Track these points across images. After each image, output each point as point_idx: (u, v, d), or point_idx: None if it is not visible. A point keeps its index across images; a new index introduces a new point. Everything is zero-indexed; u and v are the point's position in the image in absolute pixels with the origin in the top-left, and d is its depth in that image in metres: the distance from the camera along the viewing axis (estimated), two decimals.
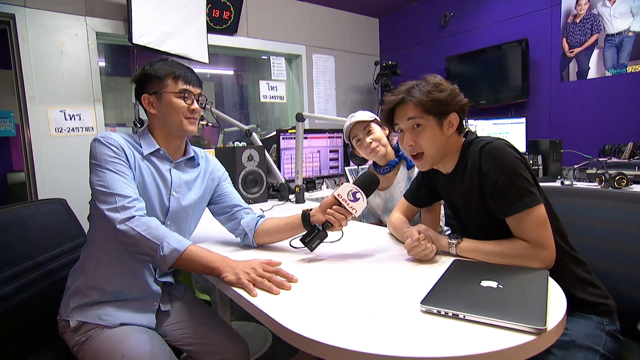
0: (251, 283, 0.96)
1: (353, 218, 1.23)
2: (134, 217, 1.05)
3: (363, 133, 1.61)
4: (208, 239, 1.46)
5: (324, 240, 1.19)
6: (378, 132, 1.62)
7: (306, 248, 1.18)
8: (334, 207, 1.15)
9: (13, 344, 1.14)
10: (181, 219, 1.26)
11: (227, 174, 1.44)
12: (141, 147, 1.20)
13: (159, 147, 1.22)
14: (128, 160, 1.14)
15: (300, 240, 1.17)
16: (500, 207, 1.01)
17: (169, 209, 1.21)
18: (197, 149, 1.36)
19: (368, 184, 1.16)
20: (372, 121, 1.62)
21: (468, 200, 1.11)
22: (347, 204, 1.12)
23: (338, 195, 1.14)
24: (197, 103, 1.23)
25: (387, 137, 1.66)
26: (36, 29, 2.75)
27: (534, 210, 0.97)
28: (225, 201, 1.38)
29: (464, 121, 1.13)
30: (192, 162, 1.31)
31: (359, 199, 1.13)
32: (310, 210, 1.23)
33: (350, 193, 1.13)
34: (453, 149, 1.14)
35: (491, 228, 1.06)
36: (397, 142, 1.64)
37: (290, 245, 1.31)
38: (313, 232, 1.16)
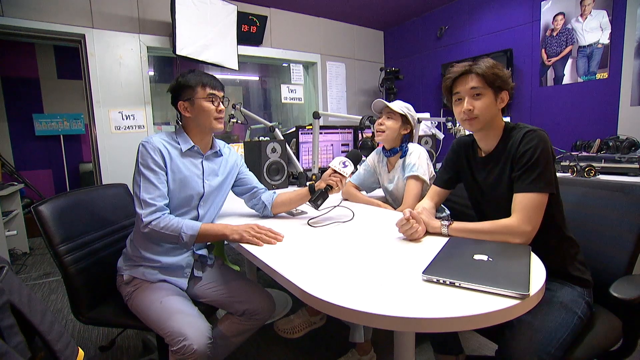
0: (254, 237, 1.08)
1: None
2: (156, 218, 1.12)
3: (384, 115, 1.63)
4: (233, 213, 1.52)
5: (339, 221, 1.27)
6: (394, 124, 1.59)
7: (317, 213, 1.35)
8: (331, 175, 1.33)
9: (84, 296, 1.21)
10: (210, 200, 1.30)
11: (243, 160, 1.48)
12: (179, 144, 1.23)
13: (193, 144, 1.25)
14: (165, 163, 1.18)
15: (309, 201, 1.33)
16: (518, 183, 0.99)
17: (203, 194, 1.25)
18: (219, 142, 1.37)
19: (353, 156, 1.40)
20: (399, 114, 1.60)
21: (497, 182, 1.07)
22: (340, 170, 1.33)
23: (333, 166, 1.34)
24: (222, 104, 1.26)
25: (408, 133, 1.62)
26: (101, 46, 2.79)
27: (541, 195, 0.96)
28: (246, 183, 1.43)
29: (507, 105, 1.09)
30: (217, 153, 1.34)
31: (347, 165, 1.34)
32: (315, 182, 1.37)
33: (340, 163, 1.34)
34: (496, 125, 1.09)
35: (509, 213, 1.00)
36: (405, 141, 1.63)
37: (294, 211, 1.48)
38: (317, 194, 1.30)
